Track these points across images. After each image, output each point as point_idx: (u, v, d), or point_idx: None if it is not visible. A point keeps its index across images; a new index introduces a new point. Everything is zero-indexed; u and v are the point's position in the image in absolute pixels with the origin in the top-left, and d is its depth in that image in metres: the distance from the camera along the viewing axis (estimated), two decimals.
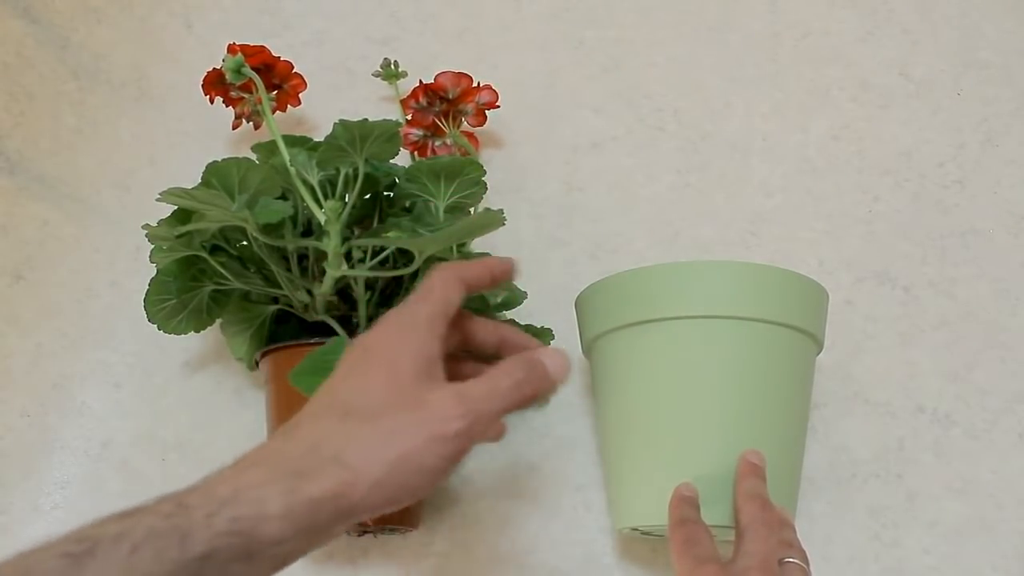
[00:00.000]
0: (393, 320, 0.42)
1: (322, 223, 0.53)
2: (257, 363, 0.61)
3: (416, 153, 0.72)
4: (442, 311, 0.41)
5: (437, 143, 0.71)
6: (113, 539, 0.32)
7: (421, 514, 0.61)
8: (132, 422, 0.67)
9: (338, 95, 0.78)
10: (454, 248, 0.61)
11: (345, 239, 0.53)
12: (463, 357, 0.47)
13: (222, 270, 0.57)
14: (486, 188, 0.59)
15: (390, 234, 0.53)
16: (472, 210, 0.62)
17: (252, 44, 0.67)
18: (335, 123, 0.52)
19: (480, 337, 0.47)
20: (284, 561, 0.34)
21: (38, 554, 0.31)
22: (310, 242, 0.56)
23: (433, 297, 0.42)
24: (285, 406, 0.57)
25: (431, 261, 0.54)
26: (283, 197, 0.56)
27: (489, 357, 0.47)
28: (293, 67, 0.71)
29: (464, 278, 0.43)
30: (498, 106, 0.72)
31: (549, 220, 0.72)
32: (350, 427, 0.36)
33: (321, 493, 0.34)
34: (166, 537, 0.32)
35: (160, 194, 0.51)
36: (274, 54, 0.69)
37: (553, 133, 0.75)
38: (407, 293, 0.58)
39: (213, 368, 0.68)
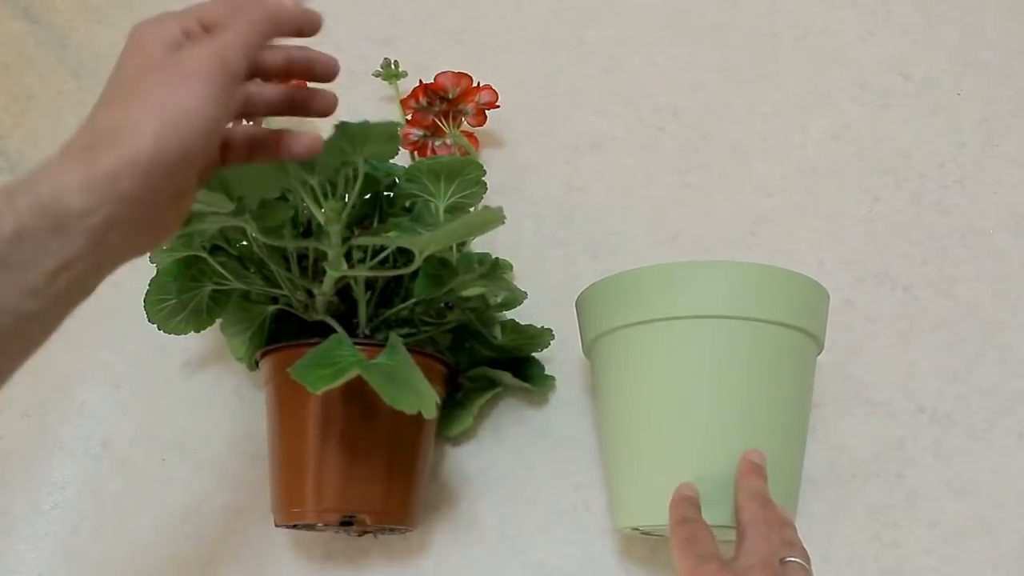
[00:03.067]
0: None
1: (322, 223, 0.53)
2: (257, 363, 0.61)
3: (416, 153, 0.72)
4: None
5: (437, 143, 0.71)
6: None
7: (421, 514, 0.61)
8: (132, 422, 0.67)
9: (338, 95, 0.78)
10: (454, 247, 0.61)
11: (345, 239, 0.53)
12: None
13: (222, 270, 0.57)
14: (486, 188, 0.59)
15: (390, 234, 0.52)
16: (472, 210, 0.61)
17: None
18: (335, 123, 0.52)
19: (269, 67, 0.46)
20: (103, 235, 0.35)
21: None
22: (310, 242, 0.56)
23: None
24: (285, 406, 0.57)
25: (431, 260, 0.54)
26: (283, 197, 0.56)
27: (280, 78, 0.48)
28: None
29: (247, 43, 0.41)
30: (498, 106, 0.72)
31: (549, 220, 0.72)
32: (122, 104, 0.38)
33: (114, 159, 0.35)
34: None
35: None
36: None
37: (553, 133, 0.75)
38: (407, 293, 0.58)
39: (213, 368, 0.68)
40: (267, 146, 0.46)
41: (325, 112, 0.48)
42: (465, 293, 0.56)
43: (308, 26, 0.46)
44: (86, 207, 0.35)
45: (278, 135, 0.46)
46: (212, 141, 0.39)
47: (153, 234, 0.41)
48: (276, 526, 0.58)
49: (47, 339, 0.37)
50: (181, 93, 0.37)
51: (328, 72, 0.47)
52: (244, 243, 0.59)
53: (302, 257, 0.59)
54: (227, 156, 0.46)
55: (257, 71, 0.45)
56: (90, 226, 0.35)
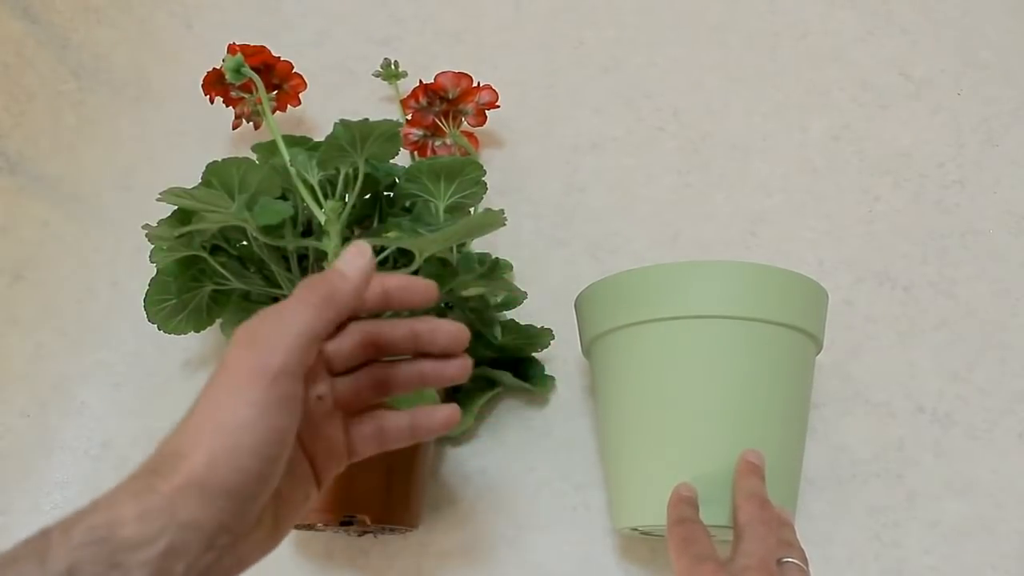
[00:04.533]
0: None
1: (322, 223, 0.53)
2: None
3: (416, 153, 0.72)
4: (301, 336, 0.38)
5: (437, 143, 0.71)
6: None
7: (421, 514, 0.61)
8: (132, 422, 0.67)
9: (338, 95, 0.78)
10: (454, 247, 0.61)
11: (345, 239, 0.53)
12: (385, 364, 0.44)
13: (222, 270, 0.57)
14: (486, 188, 0.59)
15: (390, 234, 0.53)
16: (472, 210, 0.62)
17: (252, 44, 0.67)
18: (335, 123, 0.52)
19: (389, 338, 0.43)
20: (166, 567, 0.32)
21: None
22: (310, 242, 0.56)
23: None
24: None
25: (431, 260, 0.54)
26: (283, 197, 0.56)
27: (412, 355, 0.44)
28: (293, 67, 0.71)
29: (338, 300, 0.38)
30: (498, 106, 0.72)
31: (549, 220, 0.72)
32: (185, 424, 0.36)
33: (168, 486, 0.33)
34: (25, 560, 0.31)
35: (160, 194, 0.51)
36: (274, 54, 0.69)
37: (553, 133, 0.75)
38: None
39: (213, 368, 0.68)
40: (401, 430, 0.43)
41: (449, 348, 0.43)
42: (465, 293, 0.56)
43: (403, 294, 0.42)
44: (143, 538, 0.32)
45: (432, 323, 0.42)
46: (276, 450, 0.35)
47: (245, 555, 0.36)
48: None
49: None
50: (232, 406, 0.34)
51: (451, 339, 0.42)
52: (244, 243, 0.59)
53: (302, 257, 0.59)
54: (356, 448, 0.43)
55: (381, 349, 0.42)
56: (149, 559, 0.32)
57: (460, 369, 0.42)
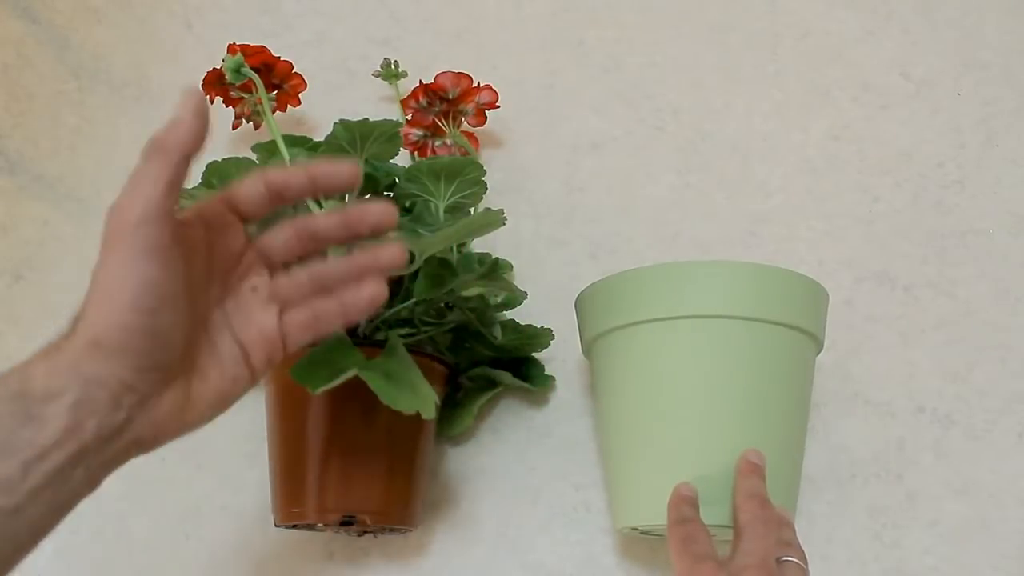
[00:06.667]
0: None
1: None
2: None
3: (416, 153, 0.72)
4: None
5: (437, 143, 0.71)
6: None
7: (421, 514, 0.61)
8: None
9: (338, 95, 0.78)
10: (454, 247, 0.61)
11: None
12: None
13: None
14: (486, 188, 0.59)
15: (390, 234, 0.52)
16: (472, 210, 0.62)
17: (252, 44, 0.67)
18: (335, 123, 0.52)
19: (323, 227, 0.43)
20: (76, 420, 0.34)
21: None
22: None
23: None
24: (285, 406, 0.57)
25: (431, 260, 0.54)
26: None
27: (347, 243, 0.45)
28: (293, 67, 0.71)
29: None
30: (498, 106, 0.72)
31: (549, 220, 0.72)
32: (88, 288, 0.38)
33: (71, 344, 0.36)
34: None
35: None
36: (274, 54, 0.69)
37: (553, 133, 0.75)
38: (407, 293, 0.58)
39: None
40: (332, 312, 0.43)
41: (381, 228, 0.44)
42: (465, 293, 0.56)
43: (327, 179, 0.42)
44: (51, 391, 0.34)
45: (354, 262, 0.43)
46: (152, 302, 0.36)
47: (160, 422, 0.38)
48: (276, 526, 0.58)
49: (35, 543, 0.35)
50: (105, 265, 0.36)
51: (381, 216, 0.43)
52: None
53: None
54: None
55: (317, 240, 0.44)
56: (60, 411, 0.34)
57: (394, 254, 0.43)
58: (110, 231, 0.37)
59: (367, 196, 0.59)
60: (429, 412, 0.49)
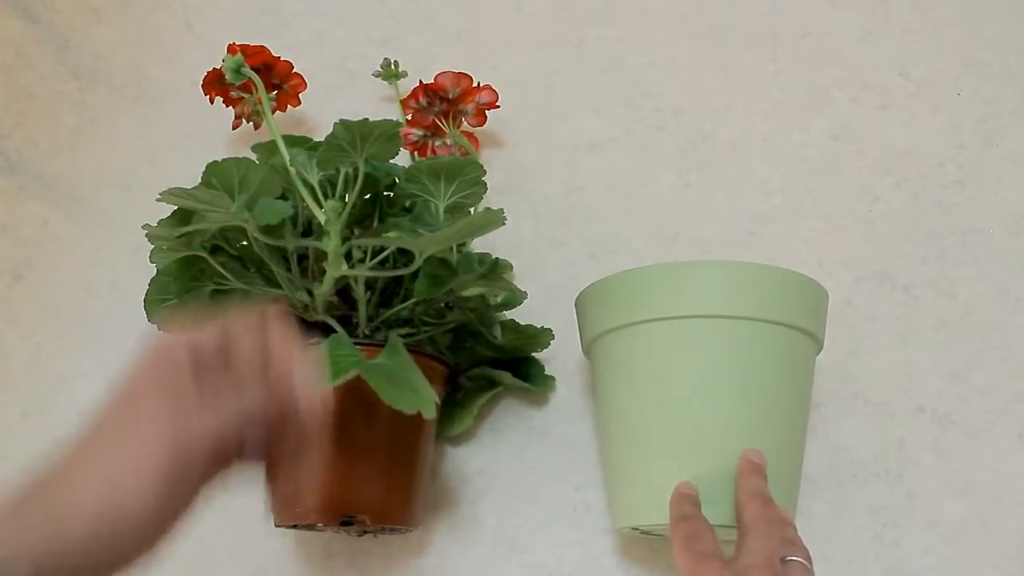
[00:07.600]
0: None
1: (322, 223, 0.53)
2: None
3: (416, 153, 0.72)
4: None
5: (437, 143, 0.71)
6: None
7: (421, 514, 0.61)
8: None
9: (338, 95, 0.78)
10: (454, 247, 0.61)
11: (345, 239, 0.53)
12: None
13: (222, 270, 0.57)
14: (486, 188, 0.59)
15: (390, 234, 0.52)
16: (472, 210, 0.62)
17: (252, 44, 0.67)
18: (335, 123, 0.52)
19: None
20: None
21: None
22: (310, 242, 0.56)
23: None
24: None
25: (431, 260, 0.54)
26: (283, 197, 0.56)
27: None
28: (293, 67, 0.71)
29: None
30: (498, 106, 0.72)
31: (549, 220, 0.72)
32: (80, 461, 0.38)
33: (38, 536, 0.35)
34: None
35: (160, 194, 0.51)
36: (274, 54, 0.69)
37: (553, 133, 0.75)
38: (407, 293, 0.58)
39: None
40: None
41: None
42: (465, 293, 0.56)
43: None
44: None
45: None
46: (161, 536, 0.37)
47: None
48: (276, 526, 0.58)
49: None
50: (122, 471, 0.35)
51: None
52: (244, 243, 0.59)
53: (302, 257, 0.59)
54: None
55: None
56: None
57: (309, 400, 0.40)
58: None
59: (367, 196, 0.60)
60: (429, 412, 0.49)
